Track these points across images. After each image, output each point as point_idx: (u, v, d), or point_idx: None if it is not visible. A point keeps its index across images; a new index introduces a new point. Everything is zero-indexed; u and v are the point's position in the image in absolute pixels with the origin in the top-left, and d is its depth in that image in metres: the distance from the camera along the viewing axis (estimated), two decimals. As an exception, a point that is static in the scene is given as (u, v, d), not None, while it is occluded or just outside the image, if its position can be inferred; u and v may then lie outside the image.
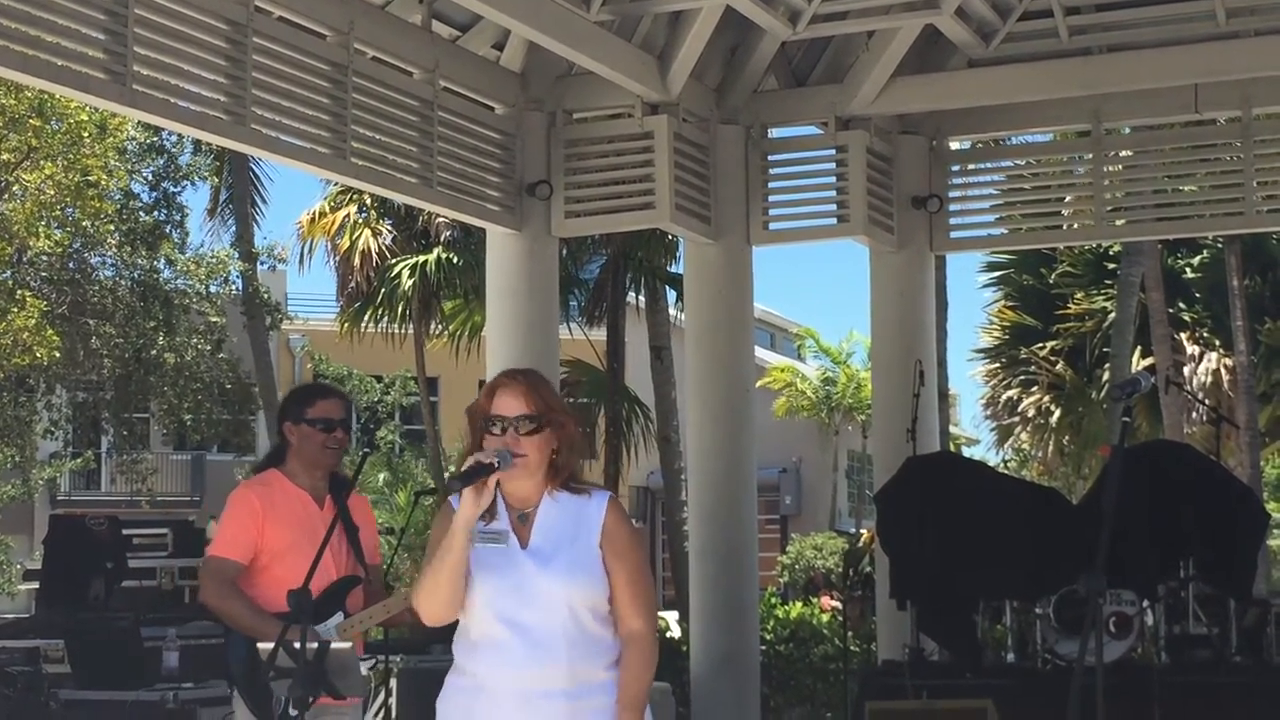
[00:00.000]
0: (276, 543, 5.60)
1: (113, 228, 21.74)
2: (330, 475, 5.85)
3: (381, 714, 9.93)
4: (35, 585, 11.08)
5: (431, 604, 4.20)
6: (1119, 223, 12.09)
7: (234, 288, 24.13)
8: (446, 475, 4.36)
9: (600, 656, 4.17)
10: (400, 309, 20.76)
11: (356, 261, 20.94)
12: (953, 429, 30.78)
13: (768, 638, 14.63)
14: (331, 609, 5.59)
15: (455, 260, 19.98)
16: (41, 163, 19.93)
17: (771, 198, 11.41)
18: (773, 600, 18.56)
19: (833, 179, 11.32)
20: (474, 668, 4.22)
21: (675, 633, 14.77)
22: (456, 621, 4.33)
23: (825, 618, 15.58)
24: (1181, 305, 23.12)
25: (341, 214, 21.22)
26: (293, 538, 5.60)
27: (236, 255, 24.05)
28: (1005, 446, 26.40)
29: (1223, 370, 22.09)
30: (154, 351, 22.24)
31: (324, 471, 5.80)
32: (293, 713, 5.29)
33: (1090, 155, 11.69)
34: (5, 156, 19.86)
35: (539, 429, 4.15)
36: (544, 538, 4.17)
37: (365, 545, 5.83)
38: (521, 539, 4.18)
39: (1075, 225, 12.49)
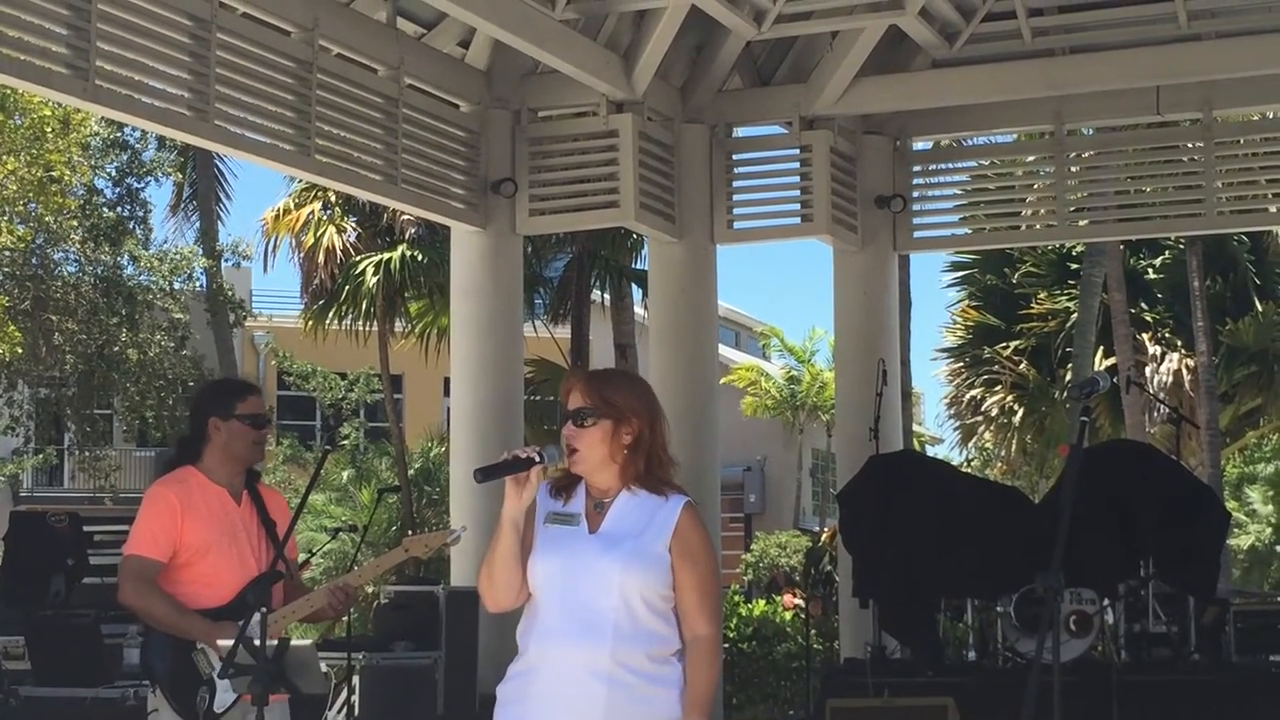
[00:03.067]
0: (196, 540, 5.55)
1: (76, 223, 21.63)
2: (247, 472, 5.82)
3: (344, 711, 9.91)
4: (-4, 582, 11.01)
5: (491, 592, 4.27)
6: (1081, 223, 12.14)
7: (198, 284, 24.03)
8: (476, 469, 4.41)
9: (647, 646, 4.19)
10: (364, 306, 20.69)
11: (321, 258, 20.86)
12: (916, 428, 30.83)
13: (731, 635, 14.66)
14: (259, 601, 5.56)
15: (420, 258, 19.94)
16: (4, 158, 19.82)
17: (736, 196, 11.44)
18: (736, 598, 18.59)
19: (797, 178, 11.36)
20: (529, 646, 4.26)
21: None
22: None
23: (788, 616, 15.63)
24: (1143, 306, 23.21)
25: (306, 211, 21.13)
26: (213, 535, 5.57)
27: (200, 252, 23.95)
28: (969, 445, 26.48)
29: (1184, 370, 22.19)
30: (117, 348, 22.14)
31: (243, 468, 5.77)
32: (217, 710, 5.31)
33: (1053, 156, 11.74)
34: (-33, 152, 19.74)
35: (596, 423, 4.22)
36: (614, 526, 4.24)
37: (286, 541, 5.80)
38: (592, 524, 4.25)
39: (1038, 225, 12.55)
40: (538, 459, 4.14)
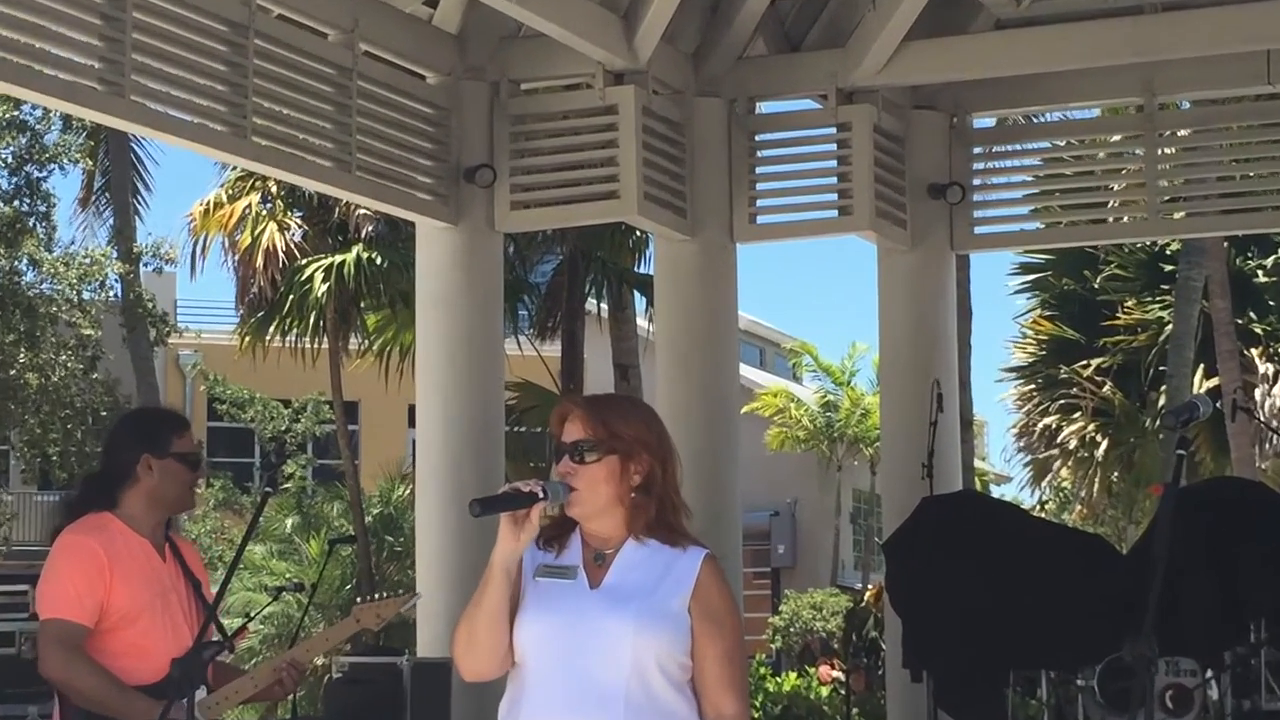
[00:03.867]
0: (125, 603, 5.51)
1: (-38, 221, 21.70)
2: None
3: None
4: None
5: (470, 656, 4.24)
6: (1177, 216, 12.14)
7: (111, 293, 24.06)
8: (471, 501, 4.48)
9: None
10: (313, 319, 20.71)
11: (259, 262, 20.88)
12: (978, 463, 30.82)
13: (756, 715, 14.66)
14: (193, 681, 5.55)
15: (379, 261, 19.96)
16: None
17: (759, 185, 11.45)
18: (762, 670, 18.60)
19: (833, 163, 11.36)
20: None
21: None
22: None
23: (825, 691, 15.62)
24: (1252, 315, 23.24)
25: (241, 204, 21.16)
26: (144, 597, 5.55)
27: (115, 254, 23.98)
28: (1042, 485, 26.48)
29: (1301, 393, 22.20)
30: (13, 371, 22.15)
31: (169, 516, 5.76)
32: None
33: (1142, 135, 11.74)
34: None
35: (600, 458, 4.23)
36: (621, 579, 4.23)
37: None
38: (593, 579, 4.24)
39: (1124, 219, 12.55)
40: (541, 495, 4.15)
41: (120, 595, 5.51)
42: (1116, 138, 12.94)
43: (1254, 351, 22.64)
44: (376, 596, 5.87)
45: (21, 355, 22.19)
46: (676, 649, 4.20)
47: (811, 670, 19.21)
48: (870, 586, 25.41)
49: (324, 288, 20.17)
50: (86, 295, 23.29)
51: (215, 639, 5.52)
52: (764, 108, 11.75)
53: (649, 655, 4.16)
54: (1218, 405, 11.36)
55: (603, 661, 4.15)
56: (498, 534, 4.18)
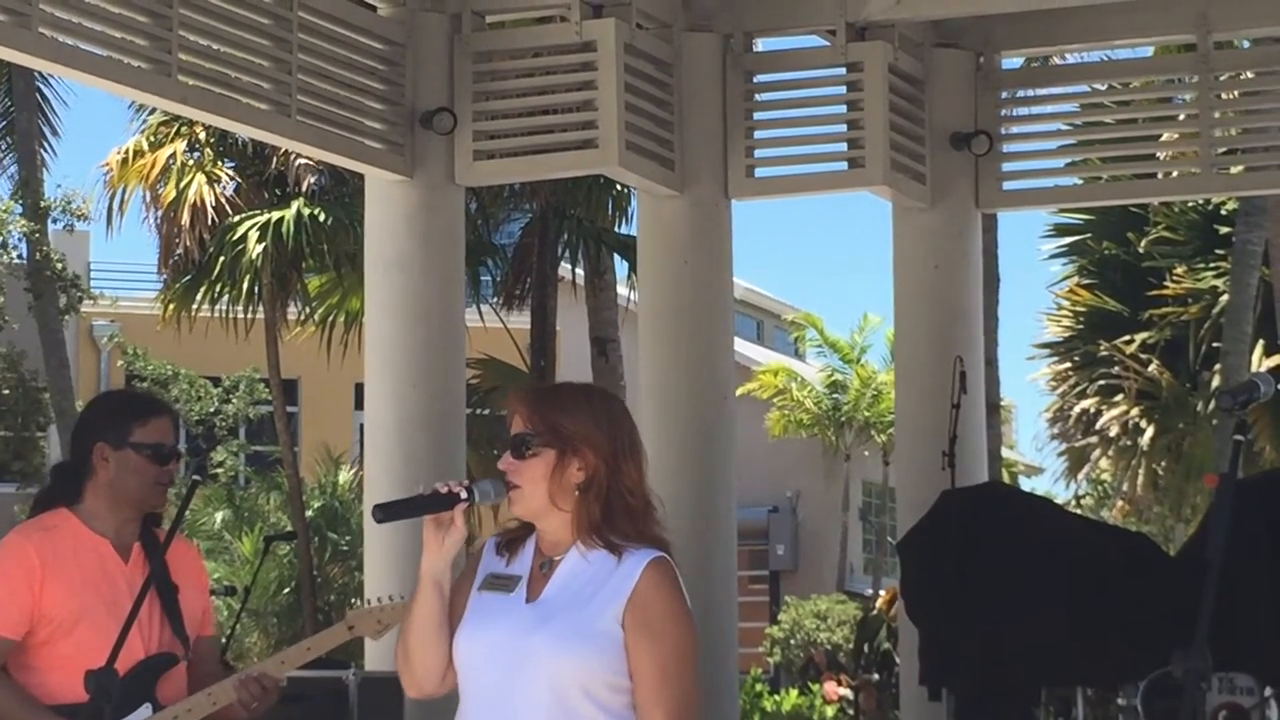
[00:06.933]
0: (60, 611, 5.54)
1: None
2: (144, 517, 5.82)
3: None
4: None
5: (408, 673, 4.45)
6: (1234, 170, 12.16)
7: (15, 254, 24.02)
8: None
9: None
10: (246, 285, 20.69)
11: (185, 219, 20.85)
12: (1006, 452, 30.92)
13: (751, 739, 14.69)
14: (137, 699, 5.56)
15: (322, 218, 19.95)
16: None
17: (758, 134, 11.44)
18: (759, 687, 18.66)
19: (842, 109, 11.36)
20: None
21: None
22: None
23: (831, 711, 15.66)
24: (1319, 284, 23.26)
25: (164, 153, 21.12)
26: (82, 603, 5.55)
27: (18, 210, 23.93)
28: (1078, 477, 26.51)
29: (1375, 373, 22.26)
30: (-97, 343, 22.13)
31: (137, 514, 5.77)
32: None
33: (1196, 79, 11.75)
34: None
35: (538, 453, 4.39)
36: (556, 593, 4.38)
37: (188, 611, 5.78)
38: (533, 591, 4.40)
39: (1174, 174, 12.58)
40: (463, 496, 4.31)
41: (53, 602, 5.54)
42: (1166, 80, 12.95)
43: (1321, 325, 22.67)
44: (372, 601, 5.88)
45: (-88, 325, 22.20)
46: (605, 671, 4.31)
47: (815, 687, 19.26)
48: (884, 593, 25.43)
49: (259, 249, 20.15)
50: (-14, 257, 23.27)
51: (172, 651, 5.53)
52: (763, 45, 11.73)
53: (570, 679, 4.29)
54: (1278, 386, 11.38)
55: (525, 685, 4.30)
56: (424, 543, 4.36)
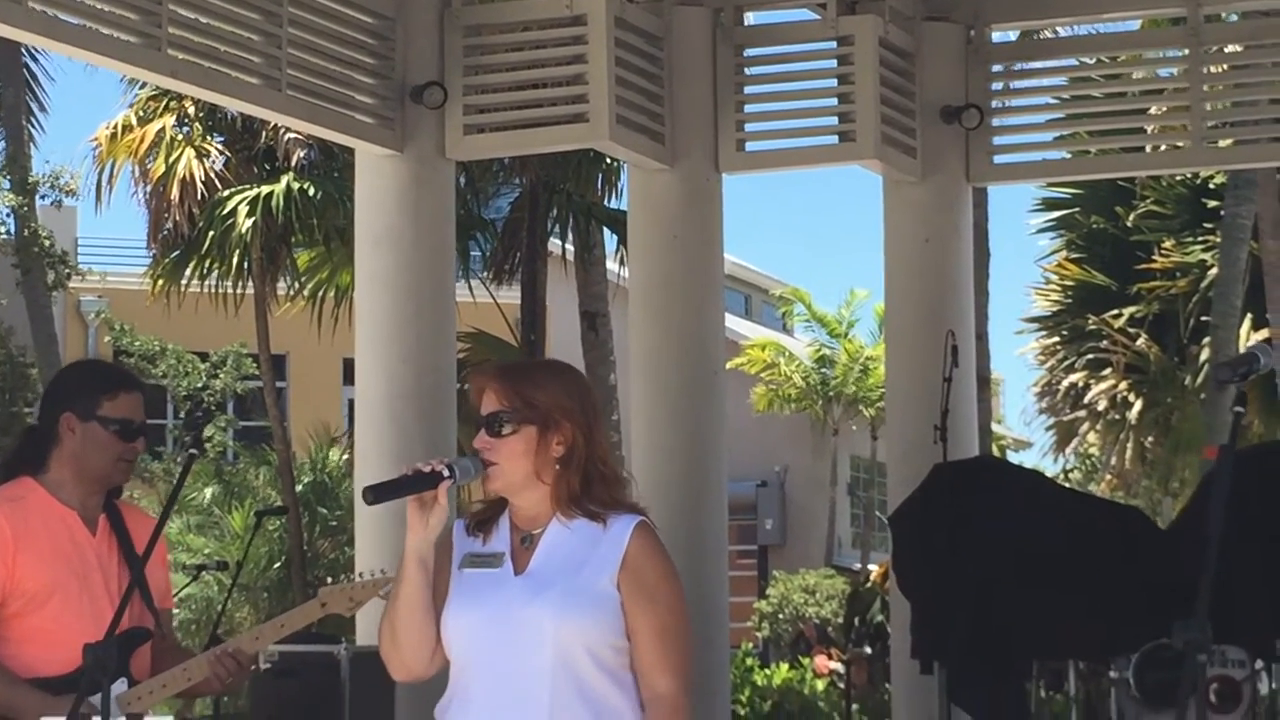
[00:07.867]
0: (32, 583, 5.51)
1: None
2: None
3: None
4: None
5: (395, 654, 4.51)
6: (1223, 144, 12.13)
7: (3, 230, 23.97)
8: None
9: (596, 718, 4.36)
10: (235, 260, 20.68)
11: (174, 194, 20.81)
12: (995, 426, 30.89)
13: (742, 712, 14.70)
14: (106, 670, 5.54)
15: (312, 192, 19.93)
16: None
17: (748, 108, 11.42)
18: (748, 661, 18.65)
19: (833, 82, 11.33)
20: None
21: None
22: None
23: (821, 684, 15.66)
24: (1307, 258, 23.26)
25: (153, 128, 21.08)
26: (56, 576, 5.53)
27: (6, 185, 23.88)
28: (1066, 451, 26.57)
29: (1364, 346, 22.27)
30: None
31: (103, 487, 5.74)
32: None
33: (1186, 51, 11.73)
34: None
35: (516, 430, 4.46)
36: (544, 563, 4.44)
37: (154, 583, 5.77)
38: (519, 564, 4.47)
39: (1163, 148, 12.54)
40: (445, 474, 4.40)
41: (26, 574, 5.52)
42: (1155, 54, 12.93)
43: (1310, 299, 22.67)
44: (347, 578, 5.88)
45: (-100, 301, 22.15)
46: (608, 632, 4.39)
47: (805, 661, 19.25)
48: (876, 567, 25.48)
49: (249, 223, 20.13)
50: (-26, 232, 23.23)
51: (145, 626, 5.51)
52: (753, 18, 11.71)
53: (575, 643, 4.36)
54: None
55: (525, 654, 4.35)
56: (408, 523, 4.42)
